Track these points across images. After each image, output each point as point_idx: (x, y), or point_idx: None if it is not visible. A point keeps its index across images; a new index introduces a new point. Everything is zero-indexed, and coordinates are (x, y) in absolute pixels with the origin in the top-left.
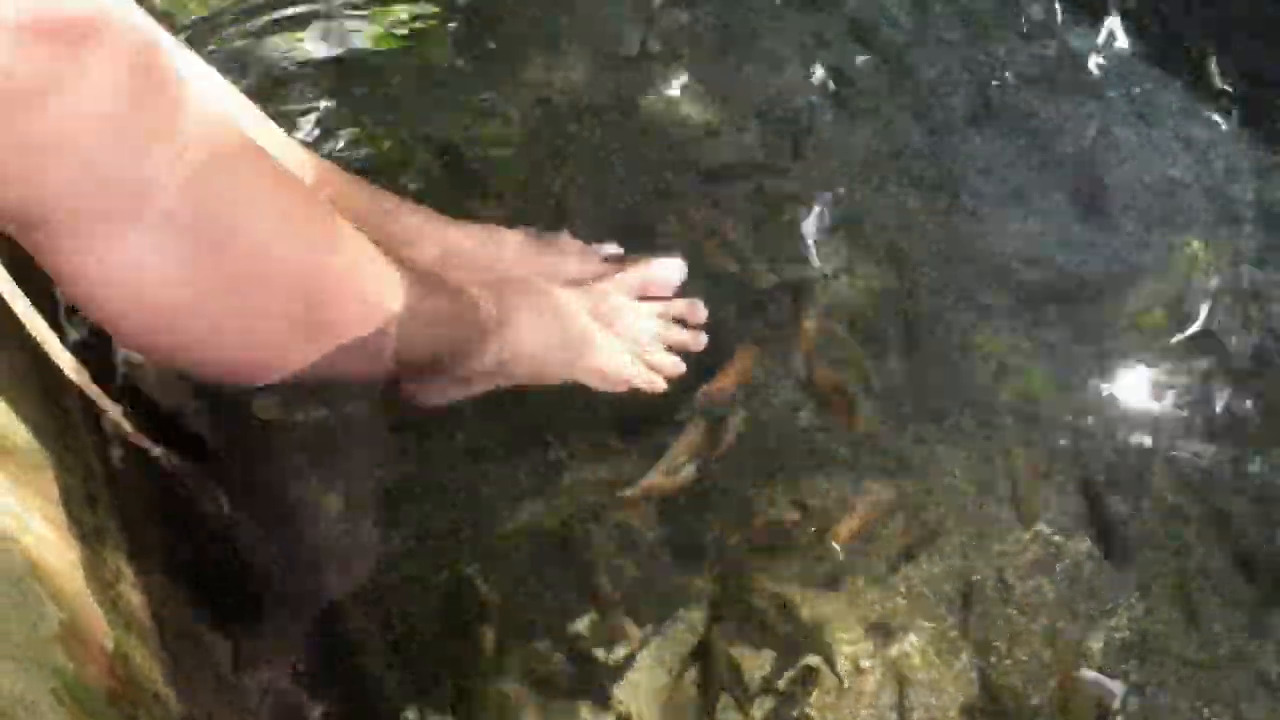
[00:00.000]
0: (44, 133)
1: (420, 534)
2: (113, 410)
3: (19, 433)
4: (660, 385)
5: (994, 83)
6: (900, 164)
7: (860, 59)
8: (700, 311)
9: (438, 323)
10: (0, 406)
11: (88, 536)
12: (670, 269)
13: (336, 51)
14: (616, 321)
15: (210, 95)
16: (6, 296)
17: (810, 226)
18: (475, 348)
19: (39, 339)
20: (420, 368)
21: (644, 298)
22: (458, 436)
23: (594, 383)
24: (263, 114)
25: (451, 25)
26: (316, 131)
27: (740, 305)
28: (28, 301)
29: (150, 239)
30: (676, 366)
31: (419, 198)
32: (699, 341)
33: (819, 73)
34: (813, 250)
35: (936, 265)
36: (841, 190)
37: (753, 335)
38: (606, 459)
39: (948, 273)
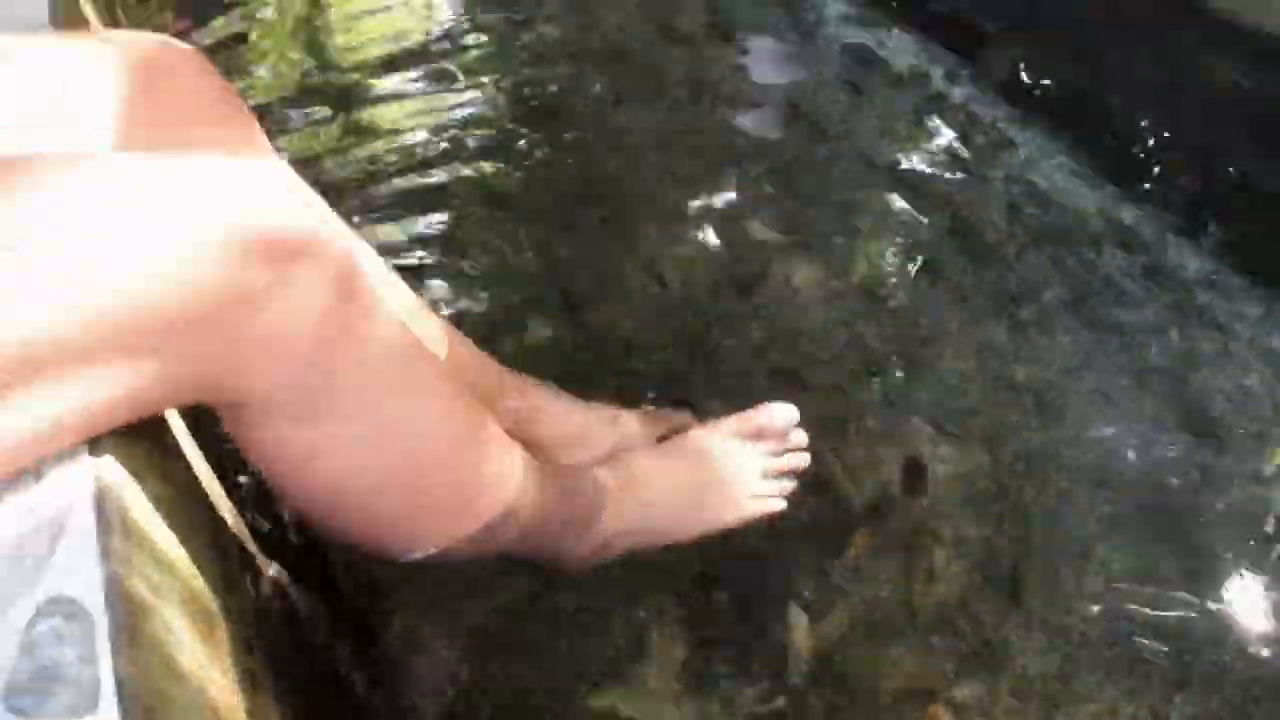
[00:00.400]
0: (254, 333)
1: (512, 694)
2: (266, 563)
3: (202, 587)
4: (780, 506)
5: (1081, 284)
6: (993, 362)
7: (956, 255)
8: (804, 438)
9: (557, 506)
10: (188, 562)
11: (245, 680)
12: (783, 414)
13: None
14: (728, 466)
15: (388, 296)
16: (189, 456)
17: (907, 411)
18: (590, 526)
19: (212, 496)
20: (539, 546)
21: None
22: (556, 596)
23: (713, 531)
24: (419, 300)
25: (564, 192)
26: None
27: (834, 492)
28: (203, 458)
29: (329, 427)
30: (786, 491)
31: (539, 352)
32: (803, 461)
33: (917, 264)
34: (919, 433)
35: (1024, 459)
36: (939, 381)
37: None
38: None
39: (1034, 466)
